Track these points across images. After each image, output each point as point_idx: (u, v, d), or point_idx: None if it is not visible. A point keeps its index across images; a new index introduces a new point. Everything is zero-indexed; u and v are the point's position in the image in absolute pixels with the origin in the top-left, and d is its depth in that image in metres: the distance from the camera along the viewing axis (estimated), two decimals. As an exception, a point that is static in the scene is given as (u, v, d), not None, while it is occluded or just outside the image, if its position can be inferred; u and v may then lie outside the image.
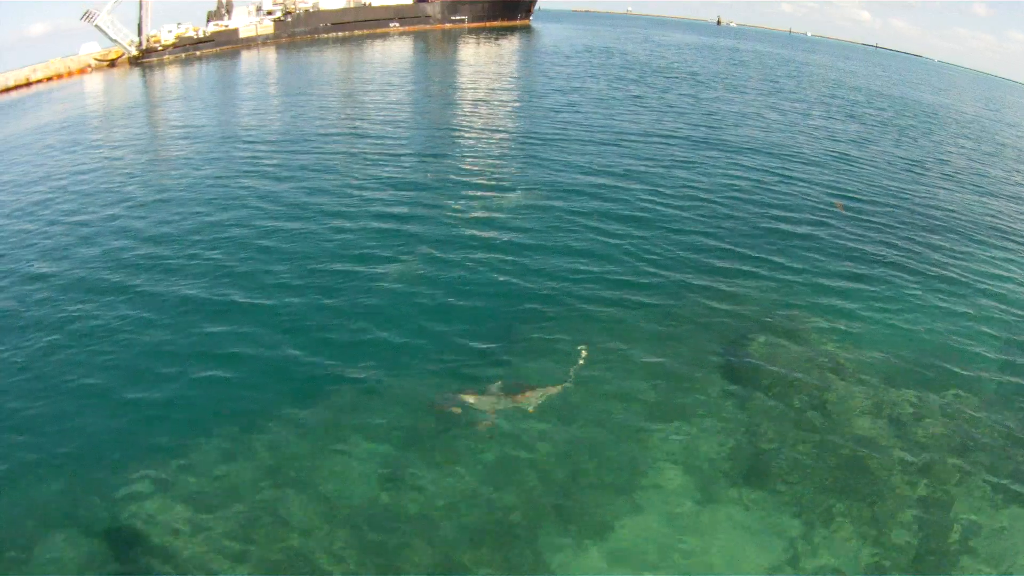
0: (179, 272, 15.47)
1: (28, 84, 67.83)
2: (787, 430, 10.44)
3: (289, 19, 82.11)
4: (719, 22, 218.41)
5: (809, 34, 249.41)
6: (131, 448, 9.93)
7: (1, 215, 20.46)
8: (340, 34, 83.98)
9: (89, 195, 21.86)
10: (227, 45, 76.16)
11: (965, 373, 12.51)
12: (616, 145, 26.68)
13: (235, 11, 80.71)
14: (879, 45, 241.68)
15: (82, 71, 72.41)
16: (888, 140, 34.30)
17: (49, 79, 70.00)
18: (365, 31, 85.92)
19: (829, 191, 22.60)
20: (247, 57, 71.39)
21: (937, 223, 20.98)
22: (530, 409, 10.39)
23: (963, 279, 16.69)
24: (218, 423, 10.41)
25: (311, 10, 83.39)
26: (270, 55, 71.52)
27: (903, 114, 46.73)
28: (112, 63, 73.42)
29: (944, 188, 25.92)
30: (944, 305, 14.99)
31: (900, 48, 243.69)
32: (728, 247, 16.92)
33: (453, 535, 8.47)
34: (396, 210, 19.17)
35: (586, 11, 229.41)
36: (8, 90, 65.24)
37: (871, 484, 9.50)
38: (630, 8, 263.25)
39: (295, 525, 8.62)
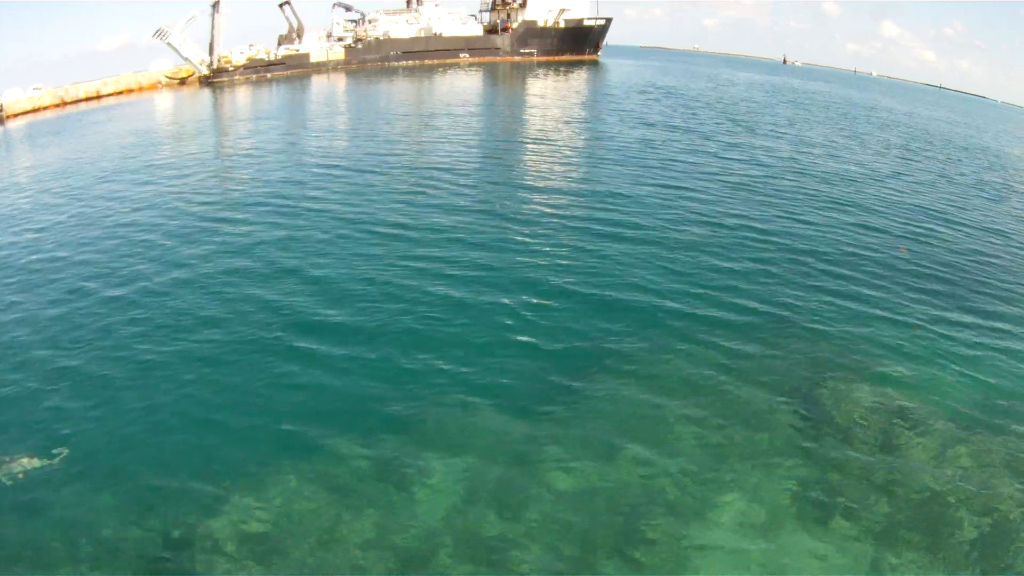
0: (245, 301, 15.59)
1: (98, 97, 67.48)
2: (854, 474, 10.34)
3: (360, 46, 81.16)
4: (784, 61, 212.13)
5: (874, 74, 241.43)
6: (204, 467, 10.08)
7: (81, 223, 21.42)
8: (410, 63, 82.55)
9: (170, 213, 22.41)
10: (298, 69, 75.32)
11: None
12: (682, 189, 25.73)
13: (306, 36, 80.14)
14: (943, 86, 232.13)
15: (152, 87, 72.09)
16: (979, 198, 30.74)
17: (119, 93, 69.75)
18: (435, 60, 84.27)
19: (897, 237, 22.20)
20: (317, 81, 70.18)
21: (1010, 269, 20.27)
22: (8, 483, 9.52)
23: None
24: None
25: (382, 38, 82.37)
26: (340, 81, 70.17)
27: (996, 168, 41.98)
28: (182, 81, 73.03)
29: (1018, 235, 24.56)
30: (1016, 349, 14.64)
31: (964, 89, 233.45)
32: (795, 290, 16.83)
33: (535, 560, 8.63)
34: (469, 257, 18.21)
35: (654, 47, 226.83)
36: (78, 102, 65.02)
37: (938, 534, 9.38)
38: (697, 45, 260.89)
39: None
